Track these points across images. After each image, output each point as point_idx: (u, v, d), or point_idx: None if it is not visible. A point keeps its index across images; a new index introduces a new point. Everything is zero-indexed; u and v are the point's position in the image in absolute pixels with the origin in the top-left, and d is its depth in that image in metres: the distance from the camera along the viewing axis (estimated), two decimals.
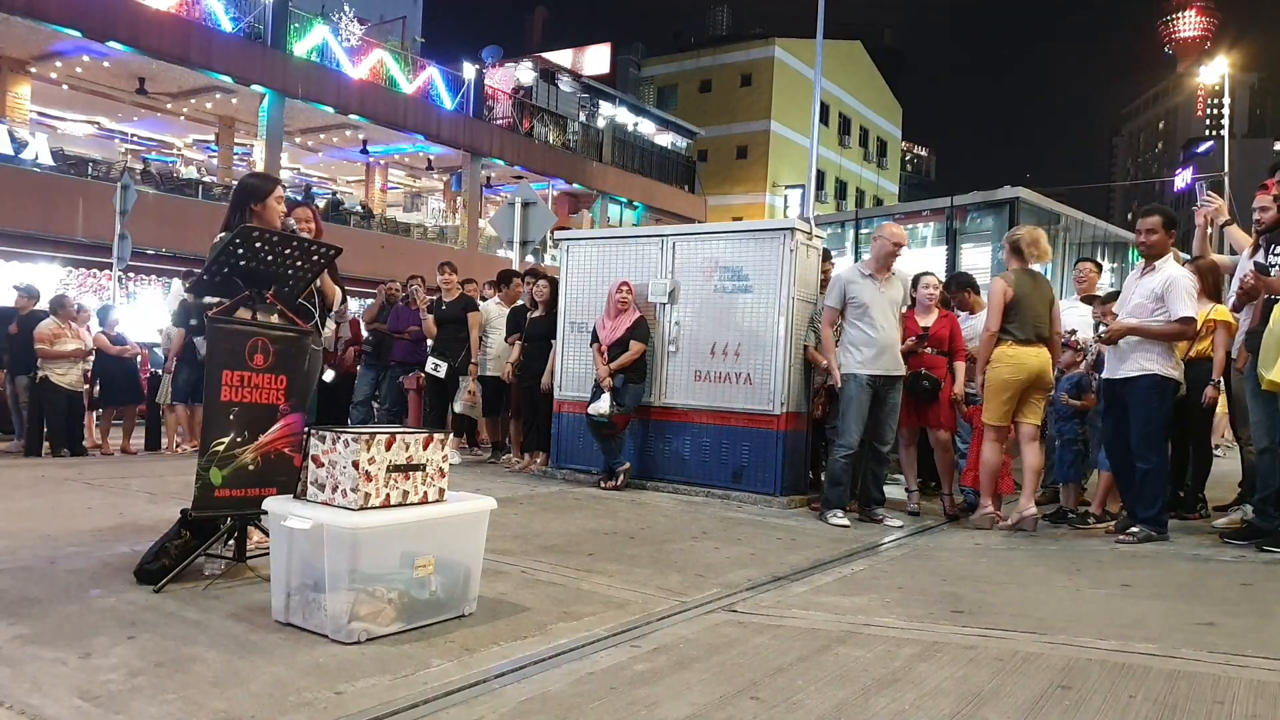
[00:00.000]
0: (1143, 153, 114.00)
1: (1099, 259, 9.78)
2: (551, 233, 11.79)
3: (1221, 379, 5.78)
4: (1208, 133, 76.94)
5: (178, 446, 9.27)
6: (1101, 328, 5.53)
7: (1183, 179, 22.00)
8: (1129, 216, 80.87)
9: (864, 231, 10.99)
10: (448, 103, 23.62)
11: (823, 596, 3.93)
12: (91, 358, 9.10)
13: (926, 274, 6.74)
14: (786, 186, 38.79)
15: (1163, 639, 3.22)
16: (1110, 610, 3.78)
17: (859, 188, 46.39)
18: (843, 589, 4.09)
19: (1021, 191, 9.42)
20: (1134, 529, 5.18)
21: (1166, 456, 5.24)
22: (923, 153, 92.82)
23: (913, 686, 2.73)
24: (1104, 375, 5.46)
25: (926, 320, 6.49)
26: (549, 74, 29.68)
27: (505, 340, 8.58)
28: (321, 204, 22.45)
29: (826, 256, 7.30)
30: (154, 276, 18.26)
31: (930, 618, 3.56)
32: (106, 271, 15.19)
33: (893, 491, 6.70)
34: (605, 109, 30.93)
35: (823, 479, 6.67)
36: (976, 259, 9.80)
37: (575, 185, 28.28)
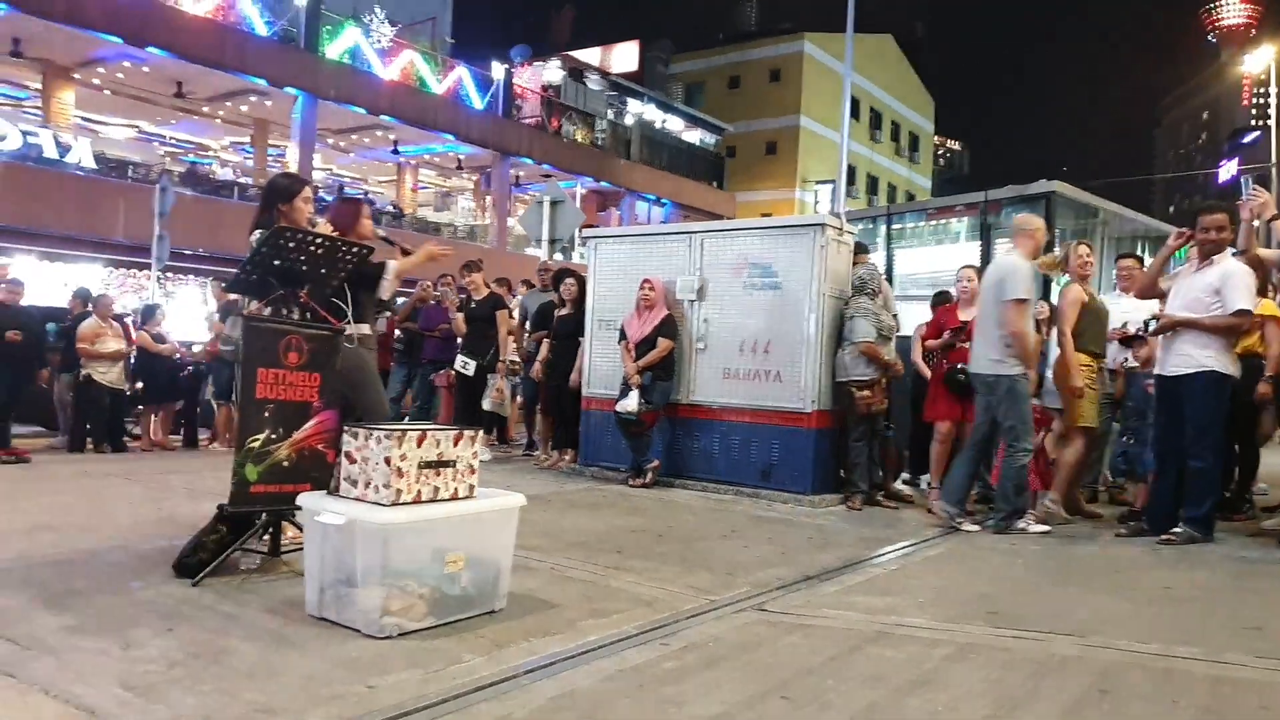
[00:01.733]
0: (1184, 144, 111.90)
1: (1139, 253, 9.63)
2: (579, 230, 11.82)
3: (1276, 375, 5.67)
4: (1254, 123, 75.20)
5: (213, 443, 9.42)
6: (1152, 322, 5.47)
7: (1227, 171, 21.61)
8: (1170, 210, 79.49)
9: (895, 227, 10.90)
10: (477, 102, 23.73)
11: (854, 596, 3.91)
12: (133, 356, 9.25)
13: (964, 268, 6.71)
14: (816, 182, 38.51)
15: (1206, 643, 3.16)
16: (1151, 613, 3.72)
17: (890, 183, 45.98)
18: (874, 589, 4.06)
19: (1057, 185, 9.27)
20: (1177, 530, 5.09)
21: (1221, 456, 5.14)
22: (956, 146, 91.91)
23: (946, 688, 2.70)
24: (1156, 372, 5.39)
25: (964, 314, 6.44)
26: (577, 72, 29.73)
27: (530, 336, 8.65)
28: None
29: (862, 250, 7.23)
30: (192, 276, 18.55)
31: (964, 619, 3.52)
32: (146, 271, 15.45)
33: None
34: (633, 106, 30.92)
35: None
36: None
37: (603, 183, 28.30)
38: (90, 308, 9.14)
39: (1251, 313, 5.04)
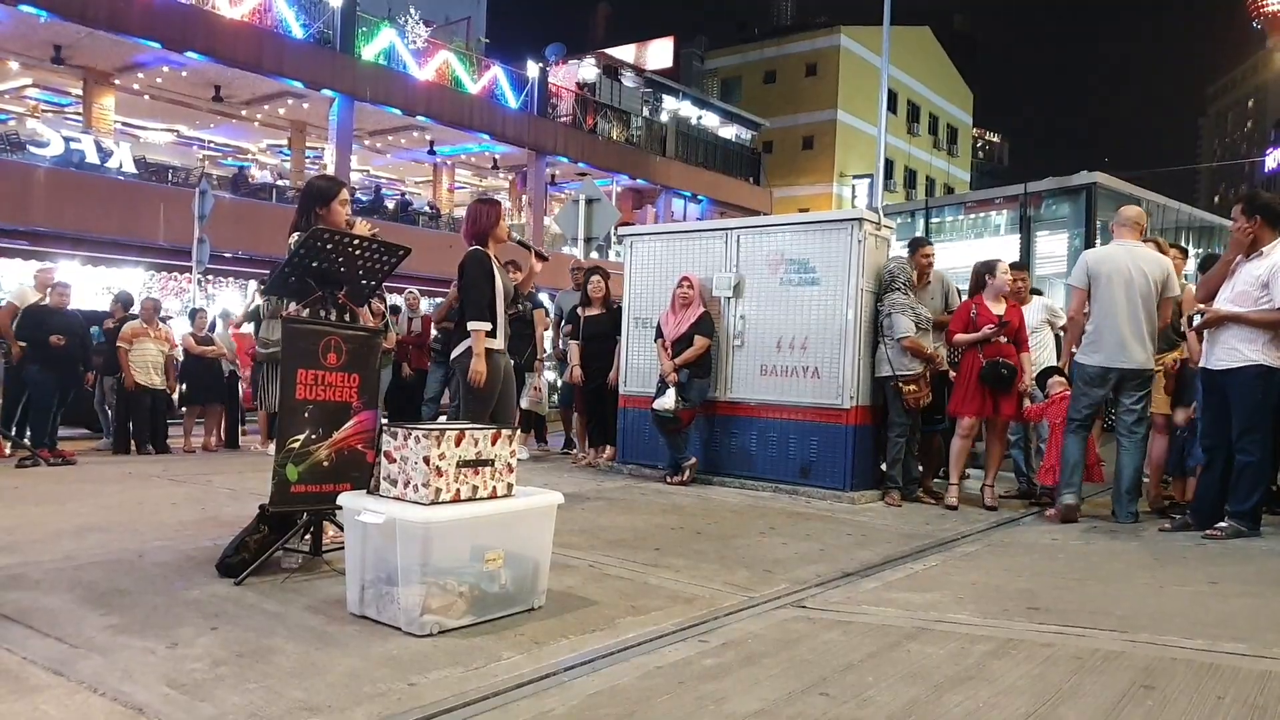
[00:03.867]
0: (1230, 133, 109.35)
1: (1184, 244, 9.43)
2: (615, 228, 11.82)
3: None
4: None
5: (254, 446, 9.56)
6: (1196, 317, 5.34)
7: (1274, 159, 21.09)
8: (1215, 200, 77.76)
9: (934, 220, 10.78)
10: (512, 101, 23.84)
11: (894, 593, 3.87)
12: (180, 357, 9.41)
13: (998, 261, 6.59)
14: (854, 176, 38.21)
15: (1253, 638, 3.09)
16: (1196, 608, 3.65)
17: (929, 176, 45.49)
18: (914, 585, 4.03)
19: (1099, 176, 9.11)
20: (1222, 524, 4.99)
21: (1269, 450, 5.02)
22: (995, 139, 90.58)
23: (987, 684, 2.67)
24: (1202, 365, 5.28)
25: (999, 309, 6.35)
26: (612, 70, 29.74)
27: (563, 335, 8.69)
28: (390, 205, 22.87)
29: (922, 243, 7.09)
30: (231, 279, 18.85)
31: (1005, 614, 3.48)
32: (187, 275, 15.72)
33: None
34: (668, 103, 30.88)
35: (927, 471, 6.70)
36: (1052, 247, 9.53)
37: (639, 180, 28.31)
38: (128, 311, 9.30)
39: None
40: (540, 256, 5.33)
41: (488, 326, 4.87)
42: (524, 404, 8.59)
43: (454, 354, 5.07)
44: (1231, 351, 4.98)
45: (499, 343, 5.01)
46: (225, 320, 10.71)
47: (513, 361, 8.27)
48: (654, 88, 30.88)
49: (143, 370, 8.89)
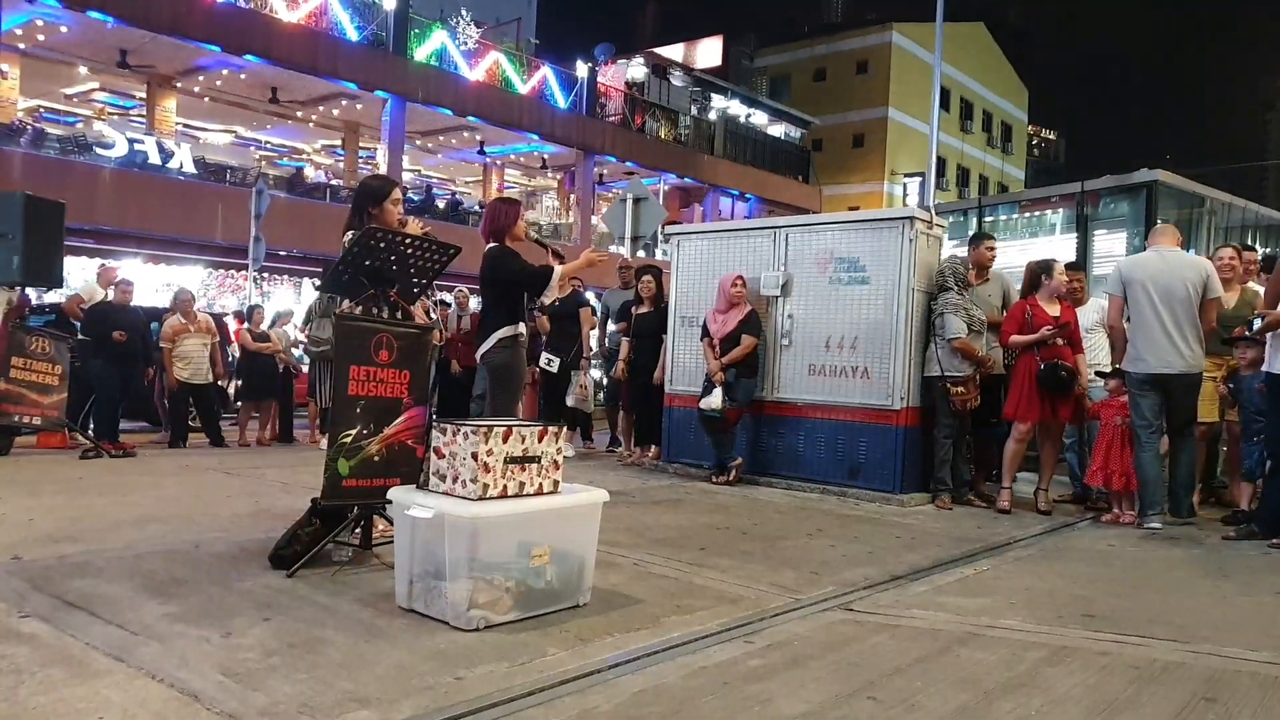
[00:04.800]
0: None
1: (1250, 243, 9.14)
2: (662, 227, 11.82)
3: None
4: None
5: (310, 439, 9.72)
6: (1257, 321, 5.20)
7: None
8: None
9: (987, 220, 10.59)
10: (561, 101, 23.96)
11: (944, 597, 3.81)
12: (235, 354, 9.58)
13: (1054, 261, 6.46)
14: (905, 175, 37.71)
15: None
16: (1262, 619, 3.54)
17: (982, 174, 44.75)
18: (965, 590, 3.96)
19: (1160, 174, 8.85)
20: None
21: None
22: (1051, 136, 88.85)
23: (1039, 692, 2.62)
24: (1265, 369, 5.16)
25: (1054, 310, 6.23)
26: (660, 69, 29.72)
27: (615, 330, 8.70)
28: (441, 205, 23.12)
29: (985, 237, 6.97)
30: (286, 276, 19.22)
31: (1059, 621, 3.41)
32: (243, 272, 16.06)
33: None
34: (717, 101, 30.78)
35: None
36: (1110, 246, 9.28)
37: (687, 179, 28.27)
38: (173, 306, 9.37)
39: None
40: (557, 255, 5.33)
41: (560, 269, 4.86)
42: (570, 402, 8.63)
43: (481, 350, 5.07)
44: None
45: (523, 333, 5.03)
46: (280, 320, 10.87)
47: (559, 360, 8.41)
48: (702, 86, 30.80)
49: (188, 366, 8.96)
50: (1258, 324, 5.29)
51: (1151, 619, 3.46)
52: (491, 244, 5.02)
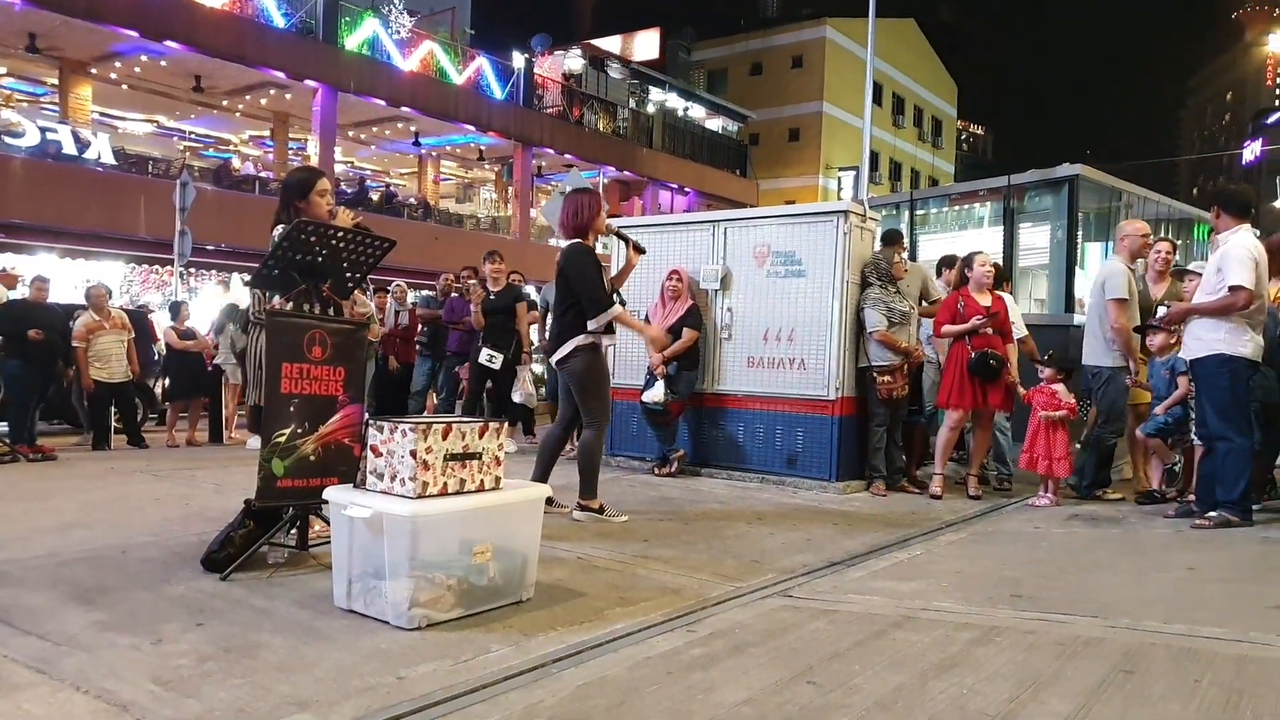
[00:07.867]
0: (1209, 125, 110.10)
1: (1164, 235, 9.50)
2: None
3: None
4: (1277, 103, 74.11)
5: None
6: (1161, 309, 5.48)
7: (1251, 151, 21.27)
8: (1194, 191, 78.27)
9: (918, 213, 10.80)
10: (498, 93, 23.71)
11: (879, 581, 3.90)
12: (159, 353, 9.30)
13: (979, 253, 6.67)
14: (840, 169, 38.26)
15: (1231, 623, 3.13)
16: (1175, 594, 3.70)
17: (914, 168, 45.58)
18: (899, 574, 4.05)
19: (1081, 169, 9.13)
20: (1212, 514, 5.03)
21: (1248, 436, 5.06)
22: (979, 131, 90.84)
23: (971, 670, 2.70)
24: (1181, 355, 5.45)
25: (984, 300, 6.40)
26: (598, 61, 29.64)
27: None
28: (375, 197, 22.75)
29: (895, 239, 7.19)
30: (214, 271, 18.70)
31: (989, 602, 3.51)
32: (169, 268, 15.58)
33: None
34: (655, 94, 30.80)
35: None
36: (1034, 239, 9.55)
37: (626, 172, 28.24)
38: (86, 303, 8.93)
39: (1245, 288, 4.90)
40: (639, 249, 5.25)
41: (618, 311, 4.82)
42: (517, 398, 8.56)
43: (558, 355, 4.94)
44: (1196, 341, 5.13)
45: (609, 338, 4.97)
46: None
47: (501, 356, 8.34)
48: (640, 79, 30.80)
49: (105, 365, 8.62)
50: (1161, 311, 5.66)
51: (1075, 598, 3.59)
52: (574, 240, 4.90)
